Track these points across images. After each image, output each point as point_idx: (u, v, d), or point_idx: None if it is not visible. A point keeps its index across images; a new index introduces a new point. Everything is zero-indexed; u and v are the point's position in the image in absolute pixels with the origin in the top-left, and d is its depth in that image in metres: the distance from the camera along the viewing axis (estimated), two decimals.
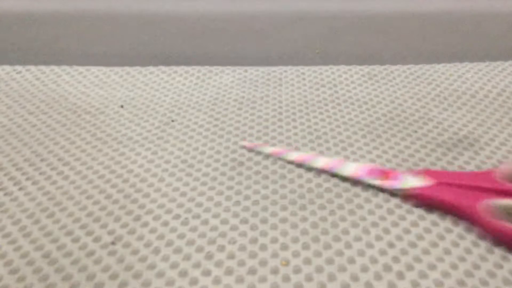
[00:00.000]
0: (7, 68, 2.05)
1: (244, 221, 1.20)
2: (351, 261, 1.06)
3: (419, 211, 1.22)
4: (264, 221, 1.19)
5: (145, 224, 1.22)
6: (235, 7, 2.90)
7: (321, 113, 1.70)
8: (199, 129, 1.64)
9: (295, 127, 1.62)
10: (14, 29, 2.67)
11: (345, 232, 1.16)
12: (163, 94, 1.87)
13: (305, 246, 1.09)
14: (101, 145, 1.56)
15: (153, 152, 1.52)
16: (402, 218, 1.19)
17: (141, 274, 1.03)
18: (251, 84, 1.92)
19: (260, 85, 1.92)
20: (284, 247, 1.11)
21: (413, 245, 1.10)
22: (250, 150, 1.47)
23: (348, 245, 1.11)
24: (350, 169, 1.30)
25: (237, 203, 1.25)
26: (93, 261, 1.07)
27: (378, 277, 1.01)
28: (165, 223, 1.22)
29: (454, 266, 1.03)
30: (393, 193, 1.26)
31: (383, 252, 1.08)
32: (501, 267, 1.02)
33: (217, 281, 1.01)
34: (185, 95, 1.87)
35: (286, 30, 2.69)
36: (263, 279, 1.00)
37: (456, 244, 1.10)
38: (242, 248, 1.11)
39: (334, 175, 1.33)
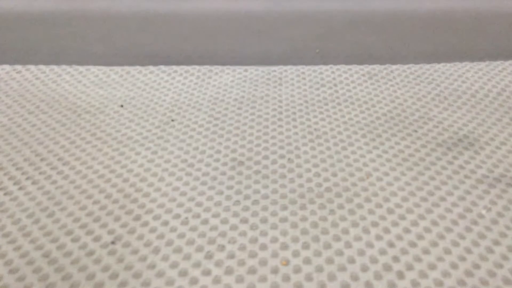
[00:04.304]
0: (7, 67, 2.05)
1: (244, 220, 1.20)
2: (351, 260, 1.06)
3: (419, 211, 1.22)
4: (264, 220, 1.20)
5: (145, 224, 1.22)
6: (235, 7, 2.90)
7: (321, 113, 1.70)
8: (199, 128, 1.64)
9: (295, 127, 1.62)
10: (14, 29, 2.67)
11: (345, 231, 1.16)
12: (163, 94, 1.87)
13: (305, 246, 1.09)
14: (101, 145, 1.56)
15: (153, 152, 1.52)
16: (402, 217, 1.19)
17: (141, 274, 1.03)
18: (251, 84, 1.92)
19: (260, 84, 1.92)
20: (284, 246, 1.11)
21: (413, 244, 1.10)
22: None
23: (348, 245, 1.11)
24: None
25: (237, 202, 1.26)
26: (93, 261, 1.07)
27: (378, 276, 1.01)
28: (165, 223, 1.22)
29: (455, 266, 1.03)
30: (392, 192, 1.26)
31: (383, 252, 1.08)
32: (501, 266, 1.02)
33: (217, 280, 1.01)
34: (185, 95, 1.87)
35: (286, 30, 2.69)
36: (263, 279, 1.01)
37: (456, 244, 1.10)
38: (242, 247, 1.11)
39: (334, 174, 1.33)
